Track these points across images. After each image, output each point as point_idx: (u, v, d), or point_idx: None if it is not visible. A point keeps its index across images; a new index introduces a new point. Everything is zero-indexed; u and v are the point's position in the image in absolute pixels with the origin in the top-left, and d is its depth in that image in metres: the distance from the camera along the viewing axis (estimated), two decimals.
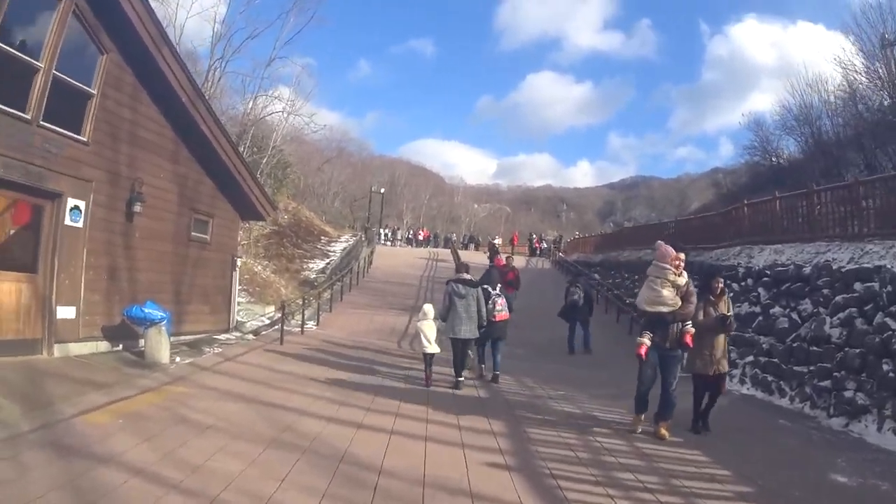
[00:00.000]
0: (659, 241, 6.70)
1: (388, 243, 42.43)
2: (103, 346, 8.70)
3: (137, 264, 9.47)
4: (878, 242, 8.98)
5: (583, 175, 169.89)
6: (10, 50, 7.13)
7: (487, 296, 8.97)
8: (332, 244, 29.75)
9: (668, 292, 6.24)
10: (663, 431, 6.32)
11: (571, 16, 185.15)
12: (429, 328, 8.68)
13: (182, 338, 10.07)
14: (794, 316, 9.64)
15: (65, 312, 8.03)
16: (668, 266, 6.28)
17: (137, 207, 9.16)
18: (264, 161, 26.44)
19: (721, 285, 7.02)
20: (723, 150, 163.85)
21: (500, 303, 9.17)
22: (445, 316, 8.66)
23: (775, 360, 9.54)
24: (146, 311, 8.48)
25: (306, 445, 5.20)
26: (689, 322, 6.35)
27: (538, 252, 38.90)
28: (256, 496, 3.94)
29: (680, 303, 6.26)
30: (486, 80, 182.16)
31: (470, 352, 9.36)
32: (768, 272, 10.94)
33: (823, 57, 59.60)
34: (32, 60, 7.43)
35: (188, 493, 3.88)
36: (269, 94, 28.32)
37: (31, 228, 7.93)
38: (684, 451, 5.93)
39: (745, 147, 37.22)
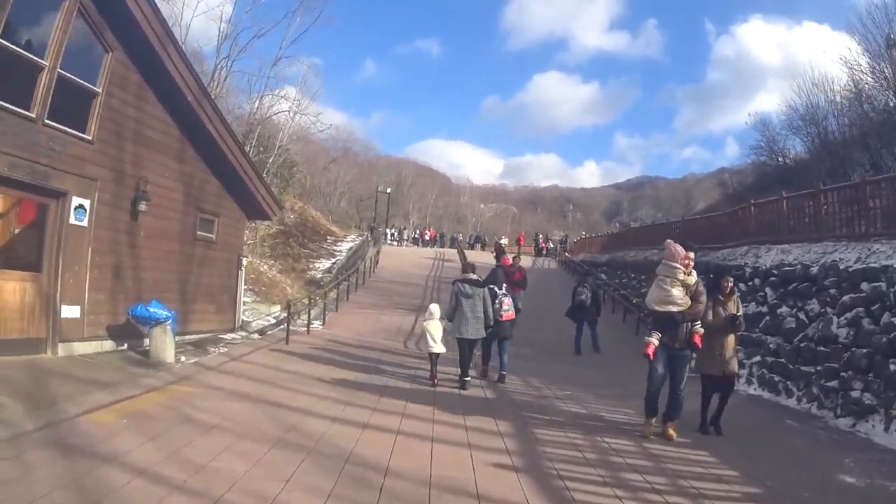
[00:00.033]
0: (668, 240, 6.60)
1: (395, 243, 42.41)
2: (108, 345, 8.70)
3: (142, 263, 9.46)
4: (885, 242, 8.92)
5: (589, 175, 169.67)
6: (15, 48, 7.13)
7: (494, 296, 8.93)
8: (339, 244, 29.69)
9: (677, 291, 6.17)
10: (671, 432, 6.27)
11: (578, 16, 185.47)
12: (435, 328, 8.67)
13: (187, 337, 10.06)
14: (802, 316, 9.57)
15: (69, 311, 8.03)
16: (678, 265, 6.20)
17: (142, 206, 9.15)
18: (270, 160, 26.47)
19: (731, 284, 6.98)
20: (729, 151, 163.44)
21: (507, 302, 9.13)
22: (452, 316, 8.62)
23: (782, 360, 9.47)
24: (151, 310, 8.46)
25: (312, 445, 5.17)
26: (699, 322, 6.30)
27: (544, 252, 38.85)
28: (261, 497, 3.91)
29: (690, 302, 6.20)
30: (492, 80, 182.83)
31: (476, 350, 9.32)
32: (775, 272, 10.87)
33: (829, 57, 59.40)
34: (37, 59, 7.42)
35: (192, 494, 3.85)
36: (276, 94, 28.33)
37: (36, 227, 7.93)
38: (692, 452, 5.89)
39: (751, 147, 37.35)
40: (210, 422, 5.66)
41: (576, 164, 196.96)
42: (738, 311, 6.80)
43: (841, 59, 26.13)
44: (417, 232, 51.80)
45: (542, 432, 6.27)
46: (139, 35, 8.71)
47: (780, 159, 33.69)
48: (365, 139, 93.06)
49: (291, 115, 29.06)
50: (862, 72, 25.38)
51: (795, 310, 9.79)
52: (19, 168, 7.25)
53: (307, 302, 13.98)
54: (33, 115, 7.41)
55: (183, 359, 8.74)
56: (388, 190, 51.19)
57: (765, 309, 10.63)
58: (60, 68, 7.67)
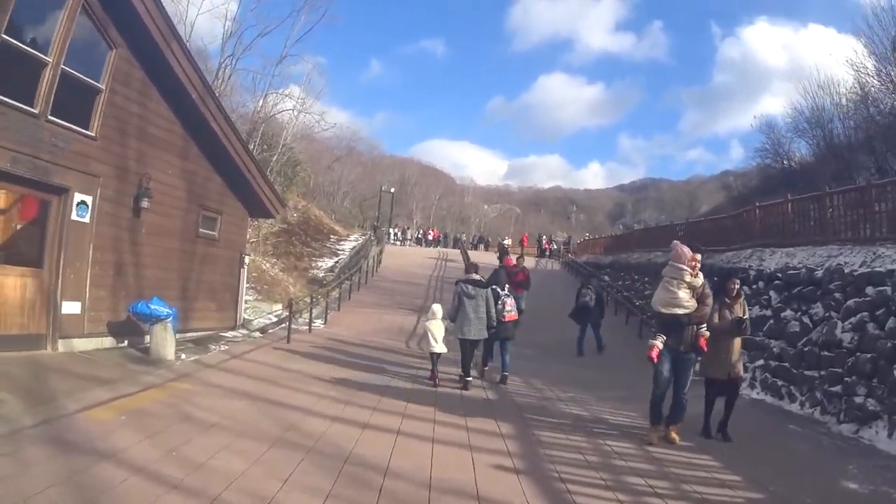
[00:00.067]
0: (675, 242, 6.51)
1: (398, 243, 42.37)
2: (108, 342, 8.69)
3: (144, 260, 9.44)
4: (891, 246, 8.86)
5: (593, 177, 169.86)
6: (19, 44, 7.12)
7: (497, 296, 8.89)
8: (342, 243, 29.73)
9: (684, 294, 6.07)
10: (674, 435, 6.20)
11: (583, 17, 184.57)
12: (437, 328, 8.65)
13: (188, 335, 10.04)
14: (806, 320, 9.51)
15: (70, 308, 8.02)
16: (685, 267, 6.09)
17: (145, 203, 9.13)
18: (274, 159, 26.52)
19: (737, 287, 6.88)
20: (733, 153, 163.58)
21: (509, 303, 9.08)
22: (454, 316, 8.57)
23: (786, 364, 9.41)
24: (152, 307, 8.44)
25: (311, 445, 5.14)
26: (705, 325, 6.23)
27: (548, 253, 38.80)
28: (259, 496, 3.88)
29: (696, 305, 6.11)
30: (497, 80, 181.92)
31: (476, 350, 9.28)
32: (780, 275, 10.81)
33: (835, 60, 59.26)
34: (41, 55, 7.42)
35: (189, 492, 3.82)
36: (280, 92, 28.48)
37: (38, 223, 7.94)
38: (694, 456, 5.83)
39: (756, 149, 37.12)
40: (209, 420, 5.64)
41: (580, 166, 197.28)
42: (744, 314, 6.72)
43: (847, 61, 26.04)
44: (421, 232, 51.75)
45: (544, 434, 6.22)
46: (143, 32, 8.70)
47: (785, 162, 33.57)
48: (369, 138, 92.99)
49: (295, 113, 29.18)
50: (868, 74, 25.30)
51: (799, 313, 9.73)
52: (22, 164, 7.23)
53: (309, 300, 13.96)
54: (36, 112, 7.40)
55: (183, 356, 8.72)
56: (392, 189, 51.24)
57: (769, 312, 10.56)
58: (64, 65, 7.66)
